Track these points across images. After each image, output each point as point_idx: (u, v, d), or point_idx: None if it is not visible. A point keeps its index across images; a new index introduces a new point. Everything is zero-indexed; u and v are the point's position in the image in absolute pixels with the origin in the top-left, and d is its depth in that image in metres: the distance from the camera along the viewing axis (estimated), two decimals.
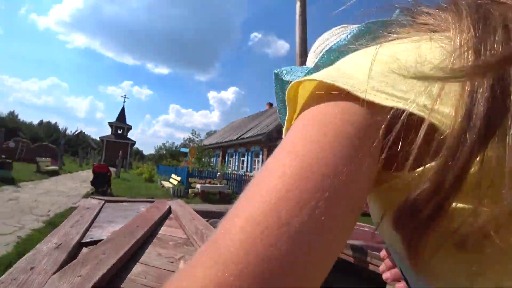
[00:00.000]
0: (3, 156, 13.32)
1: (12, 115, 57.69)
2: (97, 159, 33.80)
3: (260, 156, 18.31)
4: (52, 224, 5.19)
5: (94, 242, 1.00)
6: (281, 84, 0.62)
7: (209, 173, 14.52)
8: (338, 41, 0.45)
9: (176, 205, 1.60)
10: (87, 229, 1.09)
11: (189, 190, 12.01)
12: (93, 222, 1.20)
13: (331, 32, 0.69)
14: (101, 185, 9.12)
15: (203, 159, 20.31)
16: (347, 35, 0.45)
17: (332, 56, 0.47)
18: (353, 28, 0.65)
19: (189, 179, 12.98)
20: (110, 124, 40.39)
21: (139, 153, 76.10)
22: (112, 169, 21.65)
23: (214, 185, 11.73)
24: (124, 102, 42.92)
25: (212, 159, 24.13)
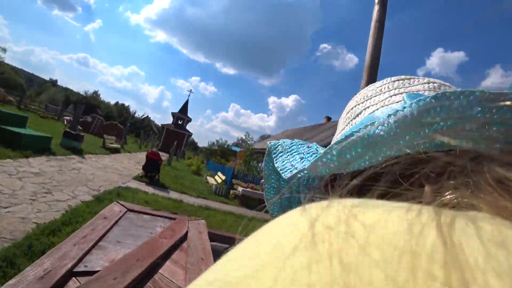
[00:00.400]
0: (80, 128, 15.03)
1: (95, 94, 65.47)
2: (156, 144, 36.37)
3: None
4: (99, 199, 5.57)
5: (86, 273, 0.93)
6: (274, 165, 0.44)
7: (253, 178, 14.53)
8: (374, 128, 0.24)
9: (195, 230, 1.49)
10: (88, 251, 1.03)
11: (231, 191, 12.14)
12: (101, 240, 1.15)
13: (382, 85, 0.43)
14: (151, 170, 9.64)
15: (251, 163, 20.45)
16: (396, 111, 0.23)
17: (353, 153, 0.26)
18: (419, 86, 0.38)
19: (233, 180, 13.13)
20: (173, 114, 43.15)
21: (194, 144, 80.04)
22: (166, 155, 22.96)
23: (255, 191, 11.69)
24: (189, 96, 45.59)
25: (260, 164, 24.18)
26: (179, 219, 1.62)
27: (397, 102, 0.37)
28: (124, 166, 11.73)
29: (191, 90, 46.54)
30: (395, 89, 0.41)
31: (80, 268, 0.94)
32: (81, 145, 11.07)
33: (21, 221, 3.72)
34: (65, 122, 20.92)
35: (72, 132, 10.80)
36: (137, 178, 9.59)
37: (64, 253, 0.96)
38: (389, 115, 0.24)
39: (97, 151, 13.05)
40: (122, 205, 1.60)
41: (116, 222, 1.34)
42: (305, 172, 0.32)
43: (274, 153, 0.43)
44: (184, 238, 1.37)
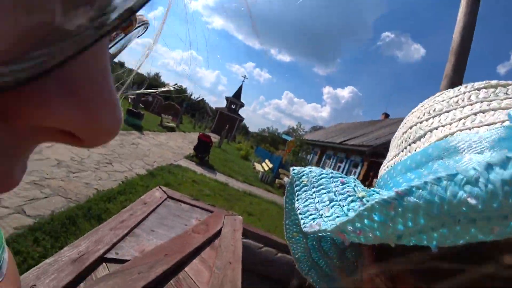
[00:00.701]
0: (142, 106, 16.25)
1: (156, 76, 71.55)
2: (209, 126, 37.93)
3: (359, 168, 17.02)
4: (152, 174, 5.97)
5: (115, 260, 0.96)
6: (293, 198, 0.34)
7: None
8: (455, 188, 0.14)
9: (230, 227, 1.47)
10: (122, 238, 1.06)
11: (276, 180, 12.15)
12: (136, 226, 1.19)
13: (458, 94, 0.30)
14: (201, 152, 10.05)
15: (300, 154, 20.26)
16: (506, 160, 0.13)
17: (410, 224, 0.17)
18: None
19: (280, 170, 13.13)
20: (227, 98, 44.31)
21: (245, 128, 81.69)
22: (218, 137, 23.78)
23: None
24: (243, 81, 46.18)
25: (309, 156, 23.81)
26: (216, 213, 1.62)
27: (489, 124, 0.24)
28: (178, 145, 12.39)
29: (245, 75, 47.18)
30: (481, 101, 0.27)
31: (112, 254, 0.97)
32: (141, 122, 11.92)
33: (85, 186, 4.15)
34: (130, 100, 22.73)
35: (134, 110, 11.68)
36: (189, 157, 10.07)
37: (100, 237, 1.01)
38: (488, 166, 0.13)
39: (155, 128, 13.96)
40: (164, 191, 1.65)
41: (154, 209, 1.38)
42: (329, 233, 0.24)
43: (297, 185, 0.33)
44: (217, 234, 1.36)
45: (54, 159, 4.56)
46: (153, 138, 11.14)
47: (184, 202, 1.61)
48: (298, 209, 0.30)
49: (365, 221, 0.18)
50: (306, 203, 0.30)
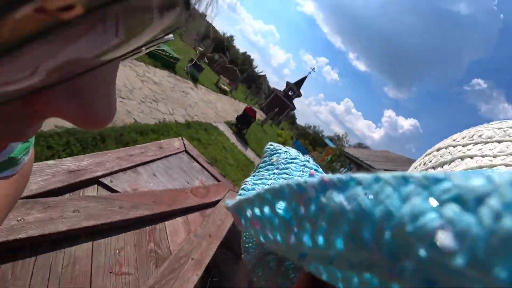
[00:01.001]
0: (206, 62, 16.64)
1: (230, 38, 71.71)
2: (260, 103, 38.12)
3: None
4: (188, 125, 6.17)
5: (106, 187, 0.99)
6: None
7: None
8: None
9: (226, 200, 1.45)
10: (122, 170, 1.09)
11: None
12: (142, 165, 1.21)
13: (484, 130, 0.22)
14: (242, 123, 10.16)
15: (334, 164, 19.73)
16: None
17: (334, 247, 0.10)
18: None
19: None
20: (287, 83, 43.80)
21: (292, 117, 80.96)
22: (264, 116, 23.79)
23: None
24: (309, 73, 45.15)
25: (342, 169, 23.14)
26: (222, 184, 1.60)
27: None
28: (223, 109, 12.61)
29: (313, 68, 45.93)
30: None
31: (106, 180, 1.01)
32: (199, 75, 12.21)
33: (126, 113, 4.40)
34: (197, 52, 23.36)
35: (197, 62, 11.97)
36: (228, 123, 10.23)
37: (103, 161, 1.04)
38: None
39: (209, 86, 14.26)
40: (184, 144, 1.66)
41: (166, 156, 1.40)
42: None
43: (264, 162, 0.30)
44: (213, 204, 1.35)
45: None
46: (204, 94, 11.42)
47: (198, 162, 1.62)
48: (245, 184, 0.27)
49: (266, 209, 0.13)
50: (258, 181, 0.26)
